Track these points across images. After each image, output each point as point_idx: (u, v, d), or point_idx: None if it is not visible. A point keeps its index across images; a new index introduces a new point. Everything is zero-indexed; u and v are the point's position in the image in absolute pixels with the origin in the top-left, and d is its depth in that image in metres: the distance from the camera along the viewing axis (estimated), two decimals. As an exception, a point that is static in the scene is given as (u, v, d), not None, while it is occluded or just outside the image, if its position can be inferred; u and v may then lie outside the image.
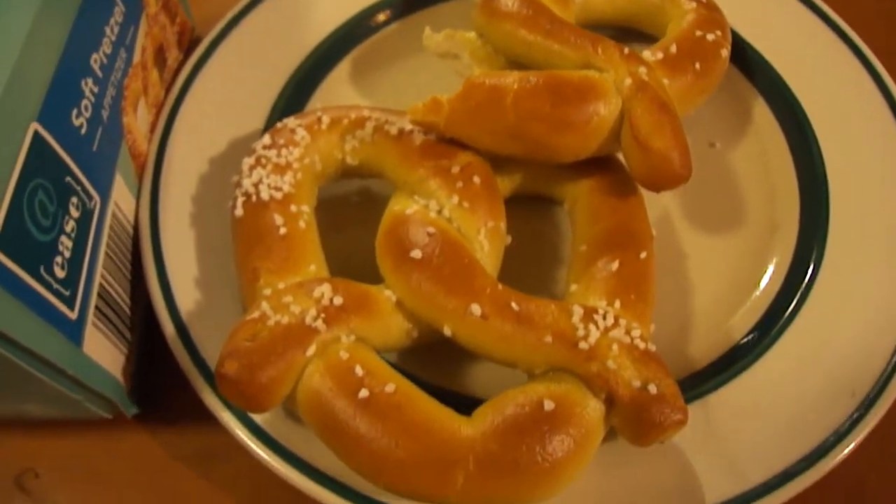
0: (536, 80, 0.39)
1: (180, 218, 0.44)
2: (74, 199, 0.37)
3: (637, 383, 0.34)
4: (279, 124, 0.43)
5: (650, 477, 0.37)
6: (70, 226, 0.37)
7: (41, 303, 0.34)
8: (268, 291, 0.37)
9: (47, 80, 0.36)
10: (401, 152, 0.41)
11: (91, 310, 0.38)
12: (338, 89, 0.51)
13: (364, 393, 0.34)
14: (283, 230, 0.38)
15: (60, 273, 0.36)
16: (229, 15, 0.51)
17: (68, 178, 0.37)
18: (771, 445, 0.38)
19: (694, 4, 0.47)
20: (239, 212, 0.40)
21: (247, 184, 0.40)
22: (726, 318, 0.43)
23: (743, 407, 0.39)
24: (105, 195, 0.41)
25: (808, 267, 0.43)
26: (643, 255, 0.39)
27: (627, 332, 0.36)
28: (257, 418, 0.38)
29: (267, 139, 0.42)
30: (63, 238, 0.36)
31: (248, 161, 0.41)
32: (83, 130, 0.38)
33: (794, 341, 0.40)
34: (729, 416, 0.39)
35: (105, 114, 0.41)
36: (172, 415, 0.43)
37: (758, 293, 0.43)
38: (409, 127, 0.41)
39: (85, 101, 0.39)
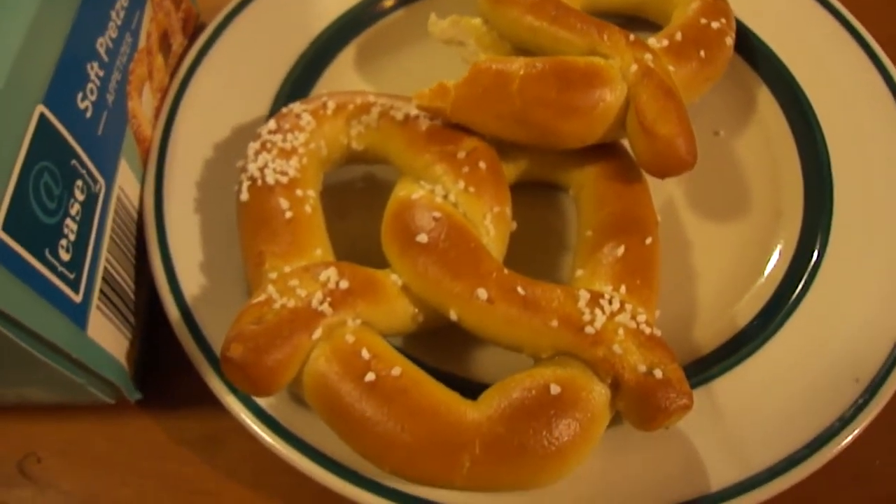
0: (542, 66, 0.39)
1: (185, 203, 0.44)
2: (80, 183, 0.37)
3: (643, 368, 0.34)
4: (285, 109, 0.43)
5: (655, 461, 0.37)
6: (75, 209, 0.37)
7: (46, 285, 0.34)
8: (274, 275, 0.37)
9: (53, 63, 0.36)
10: (406, 137, 0.41)
11: (95, 293, 0.38)
12: (343, 75, 0.51)
13: (370, 376, 0.34)
14: (288, 214, 0.38)
15: (65, 256, 0.35)
16: (234, 1, 0.51)
17: (74, 162, 0.37)
18: (776, 431, 0.38)
19: (699, -8, 0.47)
20: (244, 196, 0.40)
21: (252, 168, 0.40)
22: (731, 305, 0.43)
23: (748, 393, 0.39)
24: (110, 179, 0.40)
25: (812, 254, 0.43)
26: (648, 240, 0.39)
27: (633, 317, 0.36)
28: (262, 402, 0.38)
29: (272, 124, 0.42)
30: (68, 221, 0.36)
31: (253, 146, 0.41)
32: (88, 114, 0.38)
33: (798, 328, 0.40)
34: (734, 402, 0.39)
35: (110, 98, 0.41)
36: (175, 400, 0.43)
37: (762, 280, 0.43)
38: (414, 112, 0.41)
39: (90, 85, 0.39)
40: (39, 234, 0.34)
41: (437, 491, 0.36)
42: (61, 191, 0.35)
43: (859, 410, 0.38)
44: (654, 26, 0.49)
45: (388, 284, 0.37)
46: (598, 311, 0.35)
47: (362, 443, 0.34)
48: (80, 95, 0.38)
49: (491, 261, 0.37)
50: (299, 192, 0.39)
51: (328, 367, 0.34)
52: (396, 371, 0.34)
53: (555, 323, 0.35)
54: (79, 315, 0.36)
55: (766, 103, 0.49)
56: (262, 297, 0.35)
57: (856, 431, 0.37)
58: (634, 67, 0.39)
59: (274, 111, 0.47)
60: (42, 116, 0.34)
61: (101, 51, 0.40)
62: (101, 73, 0.40)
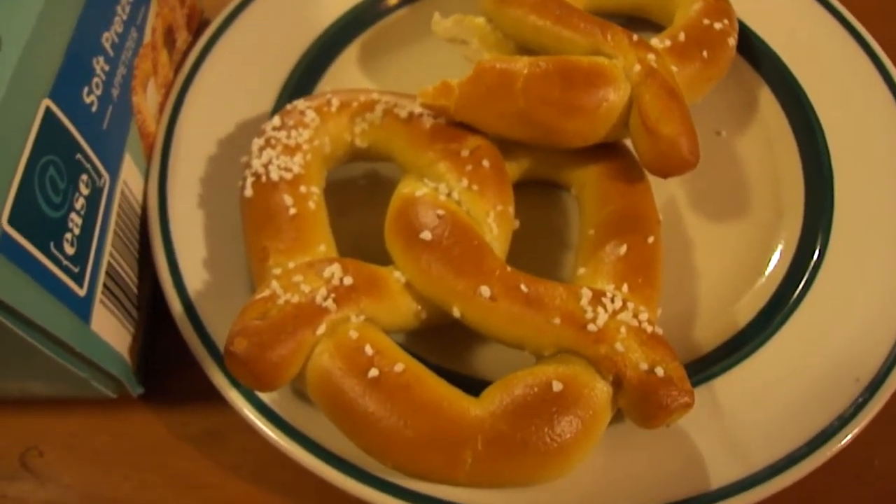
0: (546, 65, 0.39)
1: (188, 198, 0.44)
2: (84, 177, 0.37)
3: (644, 366, 0.34)
4: (289, 106, 0.43)
5: (656, 459, 0.37)
6: (80, 203, 0.37)
7: (51, 279, 0.34)
8: (278, 271, 0.37)
9: (59, 58, 0.36)
10: (410, 135, 0.41)
11: (99, 287, 0.38)
12: (347, 73, 0.51)
13: (373, 372, 0.34)
14: (292, 210, 0.39)
15: (70, 250, 0.36)
16: (238, -2, 0.51)
17: (79, 156, 0.37)
18: (776, 429, 0.38)
19: (701, -7, 0.47)
20: (248, 192, 0.40)
21: (256, 164, 0.40)
22: (732, 304, 0.43)
23: (748, 391, 0.39)
24: (114, 174, 0.41)
25: (813, 253, 0.43)
26: (650, 239, 0.39)
27: (635, 316, 0.36)
28: (264, 397, 0.38)
29: (277, 120, 0.42)
30: (73, 215, 0.36)
31: (257, 142, 0.41)
32: (94, 108, 0.38)
33: (799, 327, 0.41)
34: (734, 400, 0.39)
35: (115, 93, 0.41)
36: (177, 395, 0.43)
37: (763, 279, 0.43)
38: (418, 110, 0.41)
39: (96, 80, 0.39)
40: (44, 228, 0.34)
41: (440, 487, 0.36)
42: (66, 185, 0.36)
43: (859, 409, 0.38)
44: (656, 26, 0.50)
45: (391, 281, 0.37)
46: (600, 309, 0.36)
47: (365, 438, 0.34)
48: (85, 90, 0.38)
49: (494, 258, 0.37)
50: (303, 189, 0.40)
51: (332, 362, 0.34)
52: (399, 367, 0.34)
53: (557, 320, 0.35)
54: (83, 309, 0.36)
55: (768, 104, 0.49)
56: (266, 293, 0.36)
57: (856, 430, 0.37)
58: (638, 67, 0.40)
59: (278, 108, 0.47)
60: (48, 110, 0.34)
61: (107, 45, 0.40)
62: (107, 68, 0.40)
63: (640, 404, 0.34)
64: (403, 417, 0.33)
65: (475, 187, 0.39)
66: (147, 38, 0.45)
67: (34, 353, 0.35)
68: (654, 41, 0.44)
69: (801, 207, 0.45)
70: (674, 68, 0.42)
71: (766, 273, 0.44)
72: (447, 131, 0.41)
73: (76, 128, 0.37)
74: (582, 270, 0.39)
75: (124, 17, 0.42)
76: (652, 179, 0.42)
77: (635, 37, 0.41)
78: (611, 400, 0.35)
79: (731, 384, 0.39)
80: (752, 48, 0.50)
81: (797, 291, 0.42)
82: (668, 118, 0.39)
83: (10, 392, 0.42)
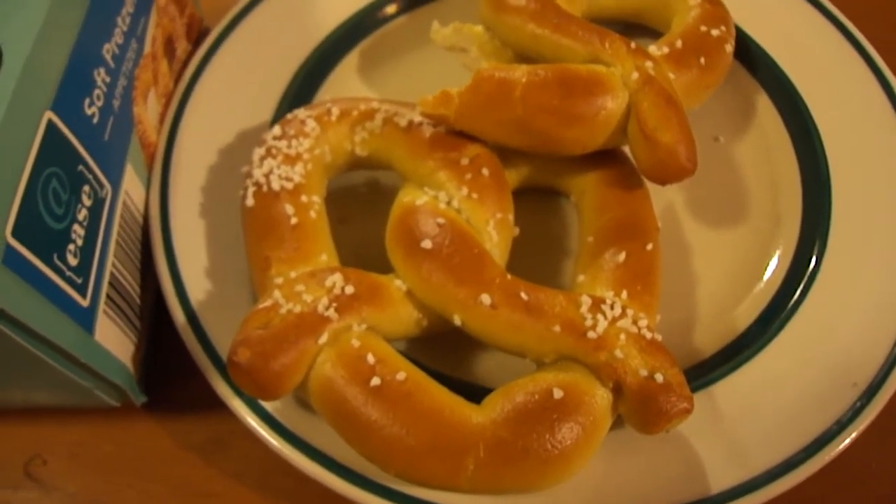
0: (545, 74, 0.40)
1: (190, 208, 0.44)
2: (87, 188, 0.37)
3: (644, 372, 0.35)
4: (289, 115, 0.43)
5: (656, 464, 0.38)
6: (82, 214, 0.37)
7: (54, 290, 0.34)
8: (279, 280, 0.37)
9: (61, 70, 0.36)
10: (410, 144, 0.41)
11: (102, 298, 0.38)
12: (346, 81, 0.51)
13: (375, 381, 0.34)
14: (294, 220, 0.39)
15: (73, 261, 0.36)
16: (237, 7, 0.51)
17: (81, 167, 0.37)
18: (775, 434, 0.38)
19: (698, 0, 0.47)
20: (250, 202, 0.40)
21: (258, 174, 0.40)
22: (730, 309, 0.43)
23: (747, 396, 0.39)
24: (116, 184, 0.41)
25: (811, 259, 0.43)
26: (649, 246, 0.39)
27: (634, 322, 0.36)
28: (267, 406, 0.39)
29: (277, 130, 0.42)
30: (76, 226, 0.36)
31: (258, 151, 0.42)
32: (95, 120, 0.39)
33: (797, 332, 0.41)
34: (733, 405, 0.39)
35: (116, 104, 0.41)
36: (180, 403, 0.43)
37: (761, 285, 0.44)
38: (418, 119, 0.42)
39: (97, 91, 0.39)
40: (48, 240, 0.34)
41: (442, 493, 0.36)
42: (69, 196, 0.36)
43: (857, 414, 0.38)
44: (653, 33, 0.50)
45: (392, 290, 0.38)
46: (599, 317, 0.36)
47: (367, 446, 0.34)
48: (87, 101, 0.38)
49: (494, 266, 0.38)
50: (304, 198, 0.40)
51: (334, 371, 0.35)
52: (401, 376, 0.35)
53: (557, 328, 0.36)
54: (86, 319, 0.37)
55: (766, 109, 0.50)
56: (268, 303, 0.36)
57: (853, 434, 0.38)
58: (636, 75, 0.40)
59: (278, 116, 0.48)
60: (50, 123, 0.34)
61: (108, 57, 0.40)
62: (108, 79, 0.40)
63: (640, 410, 0.35)
64: (405, 425, 0.34)
65: (475, 195, 0.39)
66: (147, 48, 0.45)
67: (38, 364, 0.35)
68: (652, 48, 0.44)
69: (798, 213, 0.45)
70: (671, 75, 0.42)
71: (765, 278, 0.44)
72: (447, 140, 0.41)
73: (78, 139, 0.37)
74: (581, 278, 0.39)
75: (125, 29, 0.42)
76: (650, 186, 0.42)
77: (633, 44, 0.42)
78: (611, 406, 0.35)
79: (730, 389, 0.40)
80: (750, 54, 0.50)
81: (795, 297, 0.42)
82: (665, 126, 0.39)
83: (14, 401, 0.42)
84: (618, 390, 0.35)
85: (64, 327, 0.35)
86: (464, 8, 0.50)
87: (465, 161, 0.40)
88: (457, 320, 0.37)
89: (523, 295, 0.37)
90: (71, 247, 0.36)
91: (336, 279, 0.36)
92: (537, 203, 0.46)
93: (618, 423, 0.36)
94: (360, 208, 0.46)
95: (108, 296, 0.39)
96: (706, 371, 0.41)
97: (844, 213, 0.44)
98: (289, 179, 0.40)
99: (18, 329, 0.32)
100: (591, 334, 0.35)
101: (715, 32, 0.45)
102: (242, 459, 0.42)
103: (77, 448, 0.43)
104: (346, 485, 0.37)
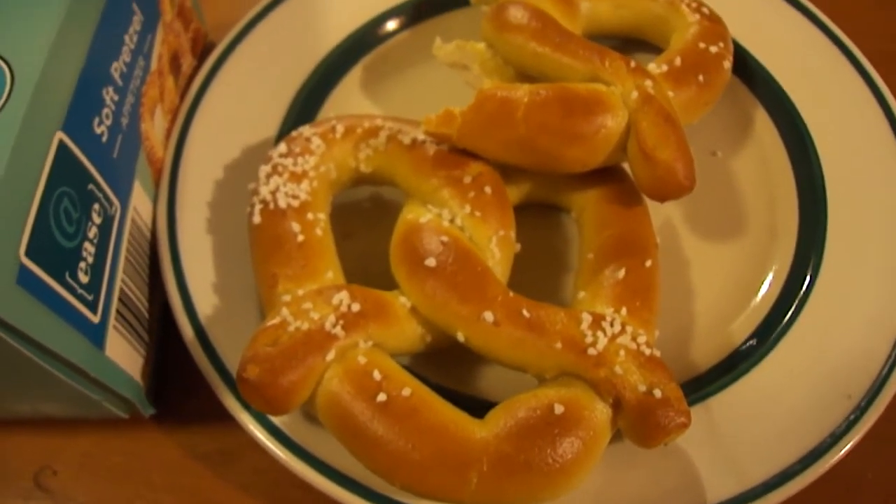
0: (546, 94, 0.40)
1: (197, 222, 0.45)
2: (97, 206, 0.38)
3: (643, 388, 0.35)
4: (294, 133, 0.44)
5: (655, 477, 0.38)
6: (93, 232, 0.38)
7: (66, 307, 0.35)
8: (287, 298, 0.38)
9: (71, 90, 0.36)
10: (414, 162, 0.42)
11: (112, 313, 0.39)
12: (350, 95, 0.52)
13: (381, 397, 0.35)
14: (300, 237, 0.40)
15: (84, 278, 0.36)
16: (242, 22, 0.52)
17: (91, 186, 0.38)
18: (771, 446, 0.39)
19: (697, 16, 0.48)
20: (257, 219, 0.41)
21: (264, 191, 0.41)
22: (727, 323, 0.44)
23: (744, 409, 0.40)
24: (125, 201, 0.41)
25: (806, 273, 0.44)
26: (648, 263, 0.40)
27: (633, 339, 0.37)
28: (275, 419, 0.39)
29: (283, 147, 0.43)
30: (86, 244, 0.37)
31: (264, 169, 0.42)
32: (104, 138, 0.39)
33: (792, 346, 0.42)
34: (730, 418, 0.40)
35: (125, 121, 0.42)
36: (188, 415, 0.44)
37: (757, 299, 0.44)
38: (421, 137, 0.42)
39: (106, 110, 0.40)
40: (60, 258, 0.35)
41: (447, 506, 0.37)
42: (80, 215, 0.36)
43: (851, 426, 0.39)
44: (653, 48, 0.51)
45: (397, 306, 0.38)
46: (599, 334, 0.37)
47: (374, 460, 0.35)
48: (96, 120, 0.39)
49: (497, 284, 0.38)
50: (310, 216, 0.41)
51: (341, 387, 0.35)
52: (406, 391, 0.36)
53: (559, 345, 0.37)
54: (97, 335, 0.38)
55: (763, 124, 0.50)
56: (276, 320, 0.37)
57: (848, 446, 0.38)
58: (635, 94, 0.41)
59: (283, 131, 0.48)
60: (61, 143, 0.35)
61: (116, 75, 0.41)
62: (116, 98, 0.41)
63: (639, 425, 0.35)
64: (411, 440, 0.34)
65: (477, 213, 0.40)
66: (154, 65, 0.46)
67: (49, 378, 0.36)
68: (651, 66, 0.44)
69: (795, 228, 0.46)
70: (670, 93, 0.43)
71: (761, 292, 0.45)
72: (450, 158, 0.42)
73: (88, 158, 0.37)
74: (582, 294, 0.40)
75: (132, 47, 0.43)
76: (649, 201, 0.43)
77: (633, 63, 0.42)
78: (610, 421, 0.36)
79: (727, 402, 0.40)
80: (747, 69, 0.51)
81: (791, 311, 0.43)
82: (664, 144, 0.40)
83: (24, 412, 0.43)
84: (617, 405, 0.36)
85: (75, 343, 0.36)
86: (466, 23, 0.50)
87: (467, 179, 0.41)
88: (460, 337, 0.38)
89: (525, 312, 0.37)
90: (82, 264, 0.36)
91: (342, 297, 0.37)
92: (539, 218, 0.46)
93: (617, 436, 0.37)
94: (364, 223, 0.47)
95: (118, 311, 0.40)
96: (703, 384, 0.41)
97: (840, 227, 0.45)
98: (295, 197, 0.41)
99: (31, 346, 0.33)
100: (591, 351, 0.36)
101: (713, 49, 0.46)
102: (250, 471, 0.42)
103: (86, 458, 0.44)
104: (352, 496, 0.38)
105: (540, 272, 0.45)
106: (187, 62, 0.52)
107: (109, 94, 0.40)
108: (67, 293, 0.35)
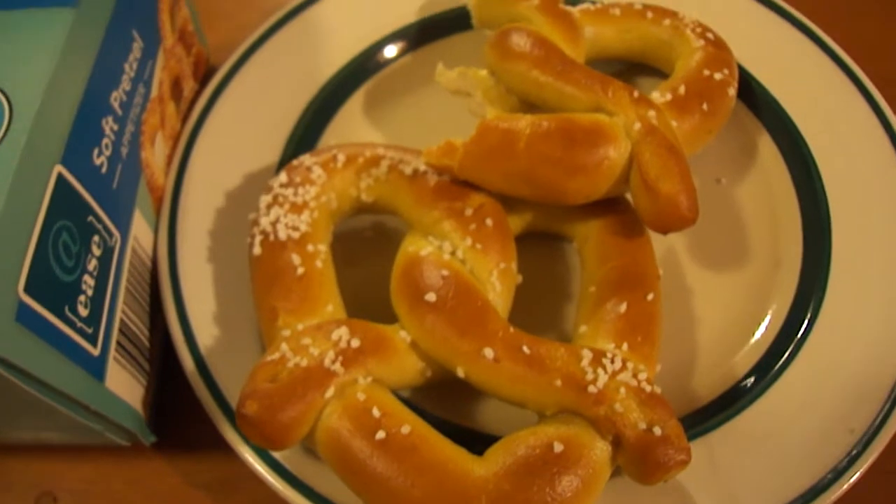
0: (548, 125, 0.40)
1: (198, 252, 0.45)
2: (96, 238, 0.38)
3: (643, 425, 0.35)
4: (295, 161, 0.44)
5: (655, 513, 0.38)
6: (92, 264, 0.37)
7: (66, 342, 0.35)
8: (287, 332, 0.38)
9: (69, 122, 0.36)
10: (415, 192, 0.42)
11: (112, 345, 0.39)
12: (352, 121, 0.51)
13: (381, 434, 0.35)
14: (300, 270, 0.39)
15: (84, 312, 0.36)
16: (242, 47, 0.51)
17: (90, 218, 0.38)
18: (772, 481, 0.39)
19: (702, 42, 0.47)
20: (257, 250, 0.41)
21: (265, 222, 0.41)
22: (729, 356, 0.44)
23: (745, 443, 0.40)
24: (125, 231, 0.41)
25: (809, 306, 0.44)
26: (650, 296, 0.40)
27: (634, 375, 0.37)
28: (275, 453, 0.39)
29: (283, 177, 0.43)
30: (86, 277, 0.37)
31: (265, 199, 0.42)
32: (104, 169, 0.39)
33: (794, 379, 0.41)
34: (731, 453, 0.40)
35: (124, 150, 0.41)
36: (189, 443, 0.44)
37: (760, 331, 0.44)
38: (422, 167, 0.42)
39: (105, 140, 0.39)
40: (59, 293, 0.34)
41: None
42: (79, 248, 0.36)
43: (854, 461, 0.39)
44: (658, 71, 0.50)
45: (397, 341, 0.38)
46: (600, 371, 0.37)
47: (373, 497, 0.35)
48: (95, 151, 0.38)
49: (497, 319, 0.38)
50: (310, 248, 0.40)
51: (340, 424, 0.35)
52: (406, 429, 0.35)
53: (559, 382, 0.36)
54: (97, 368, 0.37)
55: (768, 150, 0.50)
56: (276, 356, 0.36)
57: (851, 480, 0.38)
58: (638, 125, 0.40)
59: (284, 157, 0.48)
60: (60, 176, 0.35)
61: (116, 105, 0.41)
62: (116, 128, 0.41)
63: (639, 462, 0.35)
64: (410, 478, 0.34)
65: (478, 246, 0.40)
66: (154, 92, 0.45)
67: (49, 410, 0.36)
68: (655, 95, 0.44)
69: (798, 258, 0.45)
70: (674, 123, 0.43)
71: (764, 324, 0.44)
72: (451, 189, 0.42)
73: (87, 191, 0.37)
74: (583, 328, 0.40)
75: (132, 75, 0.43)
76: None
77: (636, 93, 0.42)
78: (610, 458, 0.36)
79: (728, 436, 0.40)
80: (752, 94, 0.50)
81: (793, 344, 0.43)
82: (667, 176, 0.39)
83: (24, 439, 0.43)
84: (617, 443, 0.36)
85: (75, 378, 0.36)
86: (470, 46, 0.50)
87: (468, 211, 0.41)
88: (460, 372, 0.37)
89: (525, 348, 0.37)
90: (82, 298, 0.36)
91: (342, 332, 0.37)
92: (540, 247, 0.46)
93: (617, 471, 0.37)
94: (366, 251, 0.47)
95: (118, 342, 0.40)
96: (704, 418, 0.41)
97: (844, 258, 0.44)
98: (295, 229, 0.41)
99: (31, 381, 0.33)
100: (591, 388, 0.36)
101: (718, 76, 0.45)
102: (249, 500, 0.42)
103: (87, 485, 0.44)
104: (352, 531, 0.38)
105: (542, 302, 0.45)
106: (189, 86, 0.52)
107: (109, 124, 0.40)
108: (67, 327, 0.35)
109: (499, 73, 0.45)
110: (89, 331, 0.37)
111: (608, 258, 0.41)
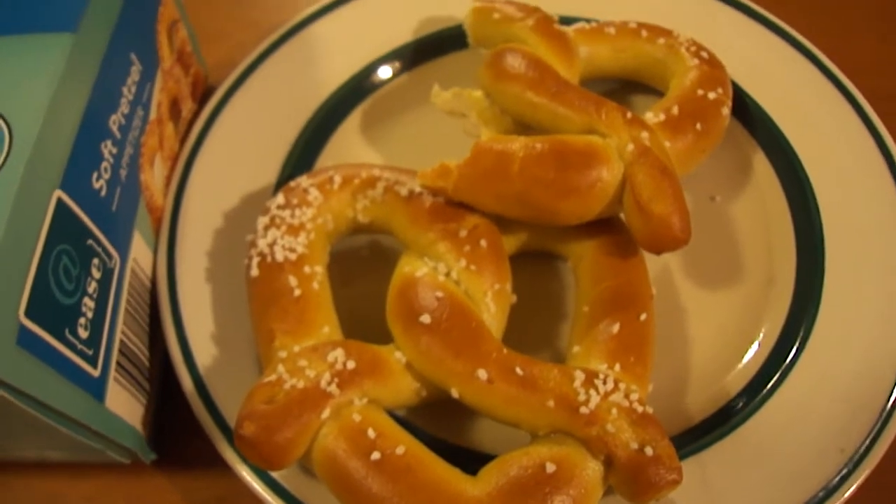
0: (542, 147, 0.40)
1: (197, 272, 0.45)
2: (96, 261, 0.38)
3: (634, 445, 0.36)
4: (292, 183, 0.44)
5: (646, 532, 0.39)
6: (92, 287, 0.38)
7: (66, 364, 0.35)
8: (283, 354, 0.38)
9: (69, 147, 0.37)
10: (410, 214, 0.42)
11: (113, 366, 0.40)
12: (348, 141, 0.52)
13: (376, 455, 0.36)
14: (297, 292, 0.40)
15: (84, 334, 0.37)
16: (239, 68, 0.52)
17: (90, 241, 0.38)
18: (763, 500, 0.39)
19: (697, 61, 0.47)
20: (254, 272, 0.41)
21: (262, 244, 0.42)
22: (722, 374, 0.44)
23: (737, 462, 0.40)
24: (124, 253, 0.42)
25: (802, 325, 0.44)
26: (643, 316, 0.40)
27: (626, 396, 0.37)
28: (273, 472, 0.40)
29: (281, 199, 0.43)
30: (86, 299, 0.37)
31: (262, 220, 0.43)
32: (103, 192, 0.40)
33: (786, 399, 0.42)
34: (723, 471, 0.40)
35: (123, 173, 0.42)
36: (189, 459, 0.44)
37: (753, 350, 0.44)
38: (418, 189, 0.43)
39: (105, 164, 0.40)
40: (59, 316, 0.35)
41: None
42: (79, 271, 0.37)
43: (844, 479, 0.39)
44: (652, 89, 0.51)
45: (392, 362, 0.39)
46: (592, 392, 0.37)
47: (369, 516, 0.36)
48: (94, 175, 0.39)
49: (491, 340, 0.39)
50: (307, 269, 0.41)
51: (336, 444, 0.36)
52: (401, 450, 0.36)
53: (551, 403, 0.37)
54: (97, 389, 0.38)
55: (763, 168, 0.50)
56: (272, 377, 0.37)
57: (841, 500, 0.38)
58: (631, 147, 0.41)
59: (282, 177, 0.49)
60: (59, 201, 0.35)
61: (114, 128, 0.41)
62: (115, 151, 0.41)
63: (630, 482, 0.36)
64: (405, 498, 0.35)
65: (473, 267, 0.40)
66: (153, 114, 0.46)
67: (50, 430, 0.36)
68: (649, 115, 0.44)
69: (792, 276, 0.46)
70: (667, 143, 0.43)
71: (756, 343, 0.44)
72: (446, 211, 0.42)
73: (87, 214, 0.38)
74: (577, 349, 0.40)
75: (130, 98, 0.43)
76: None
77: (629, 114, 0.42)
78: (602, 478, 0.36)
79: (720, 455, 0.41)
80: (747, 112, 0.51)
81: (785, 363, 0.43)
82: (659, 197, 0.40)
83: (28, 457, 0.43)
84: (609, 462, 0.36)
85: (76, 399, 0.36)
86: (465, 65, 0.50)
87: (463, 232, 0.41)
88: (454, 393, 0.38)
89: (519, 370, 0.38)
90: (82, 320, 0.37)
91: (338, 354, 0.38)
92: (535, 266, 0.46)
93: (609, 490, 0.37)
94: (362, 271, 0.47)
95: (118, 363, 0.40)
96: (697, 436, 0.41)
97: (837, 277, 0.45)
98: (292, 250, 0.41)
99: (32, 403, 0.33)
100: (583, 409, 0.36)
101: (712, 95, 0.45)
102: (248, 517, 0.43)
103: (89, 502, 0.44)
104: (348, 549, 0.38)
105: (536, 320, 0.45)
106: (187, 107, 0.52)
107: (108, 148, 0.40)
108: (67, 350, 0.35)
109: (493, 95, 0.45)
110: (89, 352, 0.37)
111: (602, 278, 0.42)
